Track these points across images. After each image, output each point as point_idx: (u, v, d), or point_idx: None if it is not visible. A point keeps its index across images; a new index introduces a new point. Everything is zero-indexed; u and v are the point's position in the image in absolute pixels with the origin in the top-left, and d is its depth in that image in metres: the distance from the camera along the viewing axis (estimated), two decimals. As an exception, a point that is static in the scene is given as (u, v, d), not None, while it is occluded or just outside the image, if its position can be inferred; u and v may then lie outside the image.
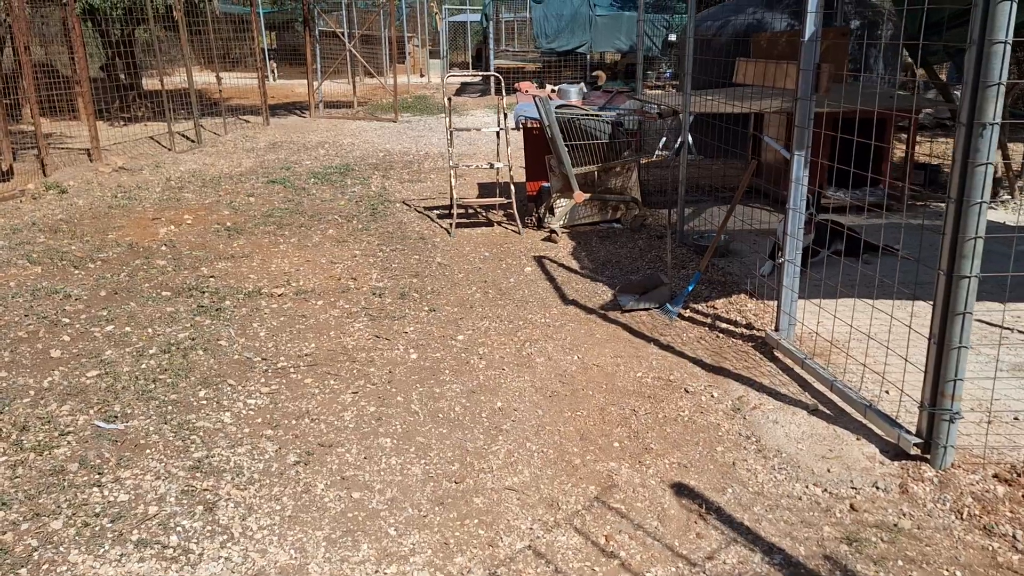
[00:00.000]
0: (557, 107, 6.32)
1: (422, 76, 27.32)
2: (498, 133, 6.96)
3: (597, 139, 6.23)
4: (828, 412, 3.35)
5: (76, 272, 5.56)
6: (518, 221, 6.68)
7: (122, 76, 16.23)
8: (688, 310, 4.59)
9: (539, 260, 5.86)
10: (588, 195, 6.35)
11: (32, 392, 3.66)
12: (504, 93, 6.93)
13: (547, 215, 6.74)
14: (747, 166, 5.35)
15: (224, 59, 23.33)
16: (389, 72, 20.19)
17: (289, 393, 3.68)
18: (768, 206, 6.88)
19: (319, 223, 7.02)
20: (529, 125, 6.88)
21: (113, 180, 8.76)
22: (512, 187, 6.81)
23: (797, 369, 3.71)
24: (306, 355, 4.13)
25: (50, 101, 12.41)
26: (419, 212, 7.47)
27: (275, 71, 24.22)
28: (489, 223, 7.02)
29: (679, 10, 19.46)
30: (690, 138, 9.44)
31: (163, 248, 6.18)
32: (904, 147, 7.95)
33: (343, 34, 15.75)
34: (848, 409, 3.32)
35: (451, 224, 6.70)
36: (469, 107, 17.03)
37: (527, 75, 19.67)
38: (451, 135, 6.83)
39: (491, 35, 18.99)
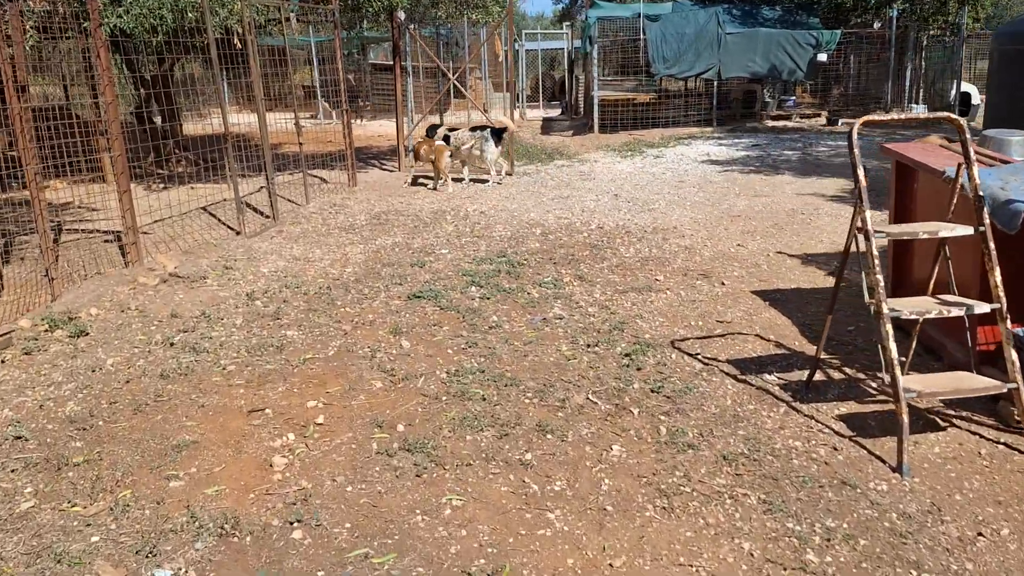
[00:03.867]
0: None
1: (486, 112, 24.12)
2: (984, 238, 3.46)
3: None
4: None
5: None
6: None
7: (157, 121, 13.10)
8: None
9: None
10: None
11: None
12: (857, 142, 3.45)
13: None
14: None
15: (266, 97, 20.26)
16: (467, 105, 17.01)
17: None
18: None
19: (568, 418, 3.56)
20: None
21: (162, 303, 5.38)
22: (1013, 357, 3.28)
23: None
24: None
25: (64, 155, 9.25)
26: (732, 376, 3.99)
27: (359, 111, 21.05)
28: (927, 419, 3.49)
29: (811, 25, 16.10)
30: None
31: (296, 535, 2.73)
32: None
33: (443, 65, 12.47)
34: None
35: (902, 452, 3.11)
36: (578, 150, 13.66)
37: (637, 108, 16.33)
38: (870, 247, 3.32)
39: (595, 61, 15.68)
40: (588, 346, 4.47)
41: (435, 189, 9.72)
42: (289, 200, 9.02)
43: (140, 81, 12.31)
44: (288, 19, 9.33)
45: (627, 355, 4.30)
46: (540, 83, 27.68)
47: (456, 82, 11.72)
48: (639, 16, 15.86)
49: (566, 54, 23.85)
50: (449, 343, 4.57)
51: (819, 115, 17.53)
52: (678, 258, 6.31)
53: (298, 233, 7.52)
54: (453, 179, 9.89)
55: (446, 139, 9.96)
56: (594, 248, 6.71)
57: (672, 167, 11.07)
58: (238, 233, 7.34)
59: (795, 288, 5.42)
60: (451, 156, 9.77)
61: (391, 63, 15.37)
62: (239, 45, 8.90)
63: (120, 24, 8.88)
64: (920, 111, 16.62)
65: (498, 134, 9.90)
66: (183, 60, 12.47)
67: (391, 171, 11.54)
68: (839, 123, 15.87)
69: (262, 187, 9.11)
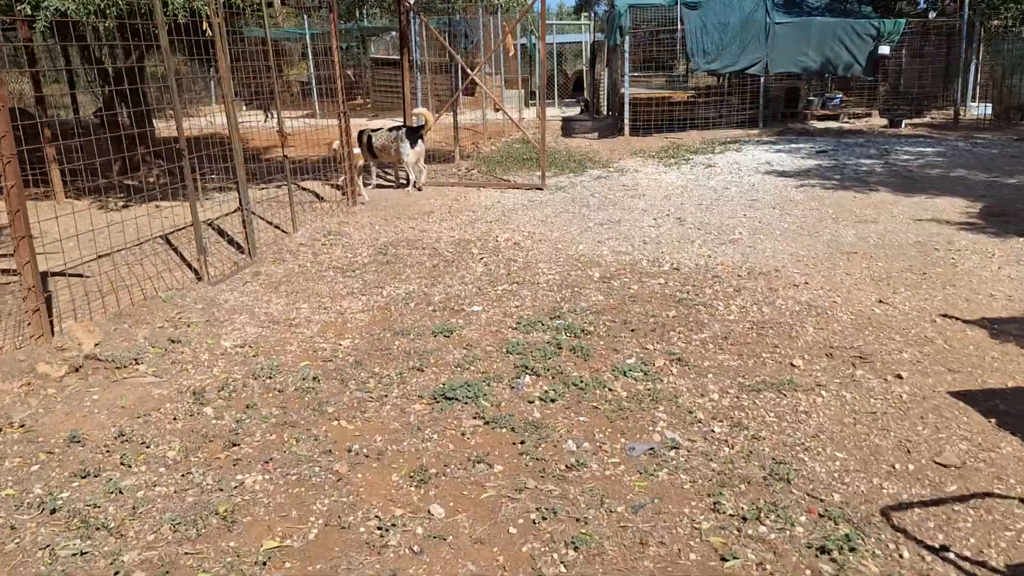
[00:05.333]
0: None
1: (496, 111, 22.20)
2: None
3: None
4: None
5: None
6: None
7: (126, 120, 11.29)
8: None
9: None
10: None
11: None
12: None
13: None
14: None
15: (256, 96, 18.35)
16: (482, 103, 15.30)
17: None
18: None
19: None
20: None
21: (63, 412, 3.56)
22: None
23: None
24: None
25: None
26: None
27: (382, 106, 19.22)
28: None
29: (867, 13, 14.23)
30: None
31: None
32: None
33: (460, 59, 10.63)
34: None
35: None
36: (610, 157, 11.86)
37: (671, 108, 14.52)
38: None
39: (627, 54, 13.86)
40: (744, 520, 2.67)
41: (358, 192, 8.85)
42: (272, 225, 7.21)
43: (104, 76, 10.53)
44: (270, 3, 7.51)
45: (821, 549, 2.50)
46: (555, 79, 25.83)
47: (475, 78, 9.86)
48: (676, 4, 14.02)
49: (584, 47, 22.04)
50: (508, 509, 2.77)
51: (869, 114, 15.71)
52: (807, 325, 4.50)
53: (280, 276, 5.71)
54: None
55: (369, 139, 8.88)
56: (680, 304, 4.90)
57: (733, 180, 9.26)
58: (199, 279, 5.53)
59: (1016, 387, 3.61)
60: (374, 157, 9.04)
61: (394, 57, 13.52)
62: (209, 33, 7.09)
63: (60, 7, 7.09)
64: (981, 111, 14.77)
65: (415, 133, 8.71)
66: (151, 51, 10.63)
67: (399, 183, 9.70)
68: (903, 124, 14.02)
69: (239, 207, 7.31)
